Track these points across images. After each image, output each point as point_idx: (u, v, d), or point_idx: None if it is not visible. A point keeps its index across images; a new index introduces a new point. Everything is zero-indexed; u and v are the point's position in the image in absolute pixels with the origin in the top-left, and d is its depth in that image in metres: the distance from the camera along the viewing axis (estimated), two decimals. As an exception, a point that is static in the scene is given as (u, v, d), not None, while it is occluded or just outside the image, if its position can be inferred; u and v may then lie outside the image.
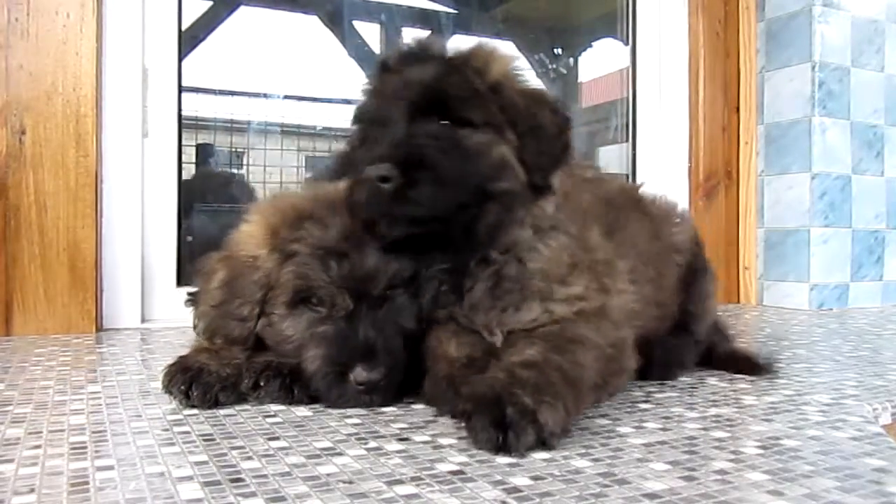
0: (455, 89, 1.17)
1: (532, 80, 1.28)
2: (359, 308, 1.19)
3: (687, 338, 1.54)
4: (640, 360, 1.43)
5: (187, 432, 1.05)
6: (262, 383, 1.20)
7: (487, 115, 1.17)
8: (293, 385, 1.20)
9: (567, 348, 1.09)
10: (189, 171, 2.75)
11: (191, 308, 1.36)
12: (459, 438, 1.01)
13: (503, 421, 0.94)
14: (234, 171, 3.13)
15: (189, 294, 1.37)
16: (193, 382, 1.17)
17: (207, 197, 2.75)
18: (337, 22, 3.23)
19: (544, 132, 1.21)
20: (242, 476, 0.86)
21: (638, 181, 2.71)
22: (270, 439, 1.02)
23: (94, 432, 1.05)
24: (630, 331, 1.26)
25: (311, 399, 1.20)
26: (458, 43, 1.25)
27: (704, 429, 1.09)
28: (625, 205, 1.49)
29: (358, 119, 1.26)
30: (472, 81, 1.18)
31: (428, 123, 1.15)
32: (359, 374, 1.15)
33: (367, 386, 1.15)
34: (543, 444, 0.95)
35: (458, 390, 1.09)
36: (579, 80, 3.86)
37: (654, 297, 1.43)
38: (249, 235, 1.27)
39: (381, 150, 1.11)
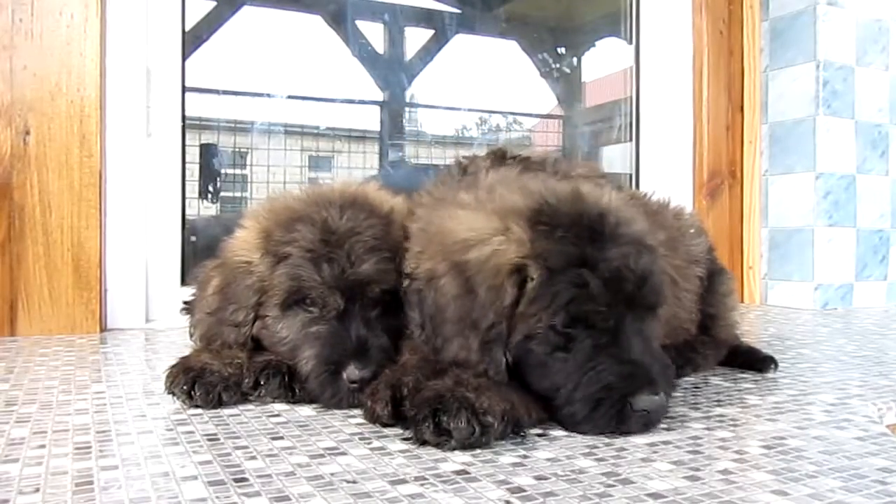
0: None
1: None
2: (351, 308, 1.19)
3: (701, 338, 1.54)
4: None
5: (191, 432, 1.05)
6: (262, 382, 1.21)
7: None
8: (293, 383, 1.20)
9: None
10: (192, 171, 2.75)
11: (187, 316, 1.36)
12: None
13: (440, 409, 0.95)
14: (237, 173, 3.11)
15: (185, 303, 1.37)
16: (196, 382, 1.17)
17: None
18: (340, 21, 3.24)
19: None
20: (246, 476, 0.86)
21: (643, 187, 2.70)
22: (274, 439, 1.02)
23: (98, 432, 1.05)
24: None
25: (313, 397, 1.20)
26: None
27: (708, 428, 1.09)
28: None
29: (573, 301, 1.07)
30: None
31: None
32: (351, 372, 1.14)
33: (360, 384, 1.14)
34: (482, 427, 0.94)
35: (397, 397, 1.06)
36: (583, 80, 3.86)
37: (667, 313, 1.37)
38: (243, 241, 1.27)
39: (633, 367, 1.06)
